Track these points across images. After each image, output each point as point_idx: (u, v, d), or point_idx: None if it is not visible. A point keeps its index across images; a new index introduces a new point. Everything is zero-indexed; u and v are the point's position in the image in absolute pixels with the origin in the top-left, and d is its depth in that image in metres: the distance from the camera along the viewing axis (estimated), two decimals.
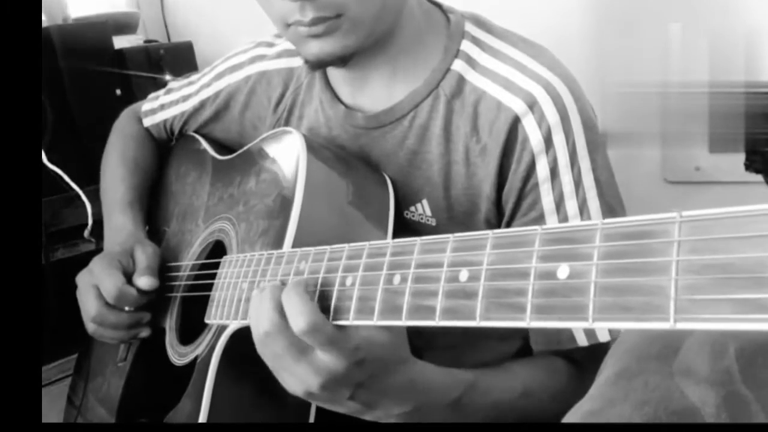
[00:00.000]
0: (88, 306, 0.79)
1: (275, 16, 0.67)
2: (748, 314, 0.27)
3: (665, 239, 0.30)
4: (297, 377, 0.54)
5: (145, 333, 0.81)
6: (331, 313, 0.50)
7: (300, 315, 0.50)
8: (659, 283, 0.30)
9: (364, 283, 0.48)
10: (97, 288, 0.78)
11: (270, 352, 0.54)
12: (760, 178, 1.02)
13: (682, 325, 0.29)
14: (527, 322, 0.35)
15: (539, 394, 0.66)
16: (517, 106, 0.68)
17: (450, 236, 0.43)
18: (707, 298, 0.28)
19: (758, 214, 0.27)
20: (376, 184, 0.72)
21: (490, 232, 0.40)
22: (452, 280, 0.41)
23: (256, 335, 0.54)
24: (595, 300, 0.32)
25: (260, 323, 0.53)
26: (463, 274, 0.40)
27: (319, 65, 0.69)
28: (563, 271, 0.34)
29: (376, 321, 0.46)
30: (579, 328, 0.68)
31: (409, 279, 0.44)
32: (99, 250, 0.95)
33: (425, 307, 0.42)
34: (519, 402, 0.65)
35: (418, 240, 0.45)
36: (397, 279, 0.45)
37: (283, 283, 0.55)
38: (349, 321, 0.49)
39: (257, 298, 0.55)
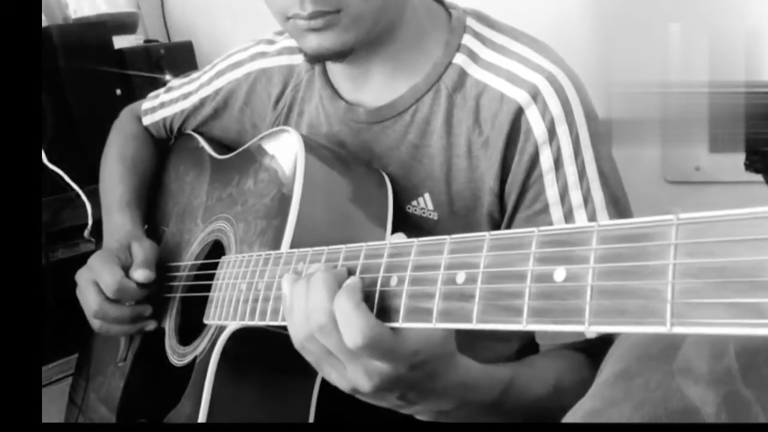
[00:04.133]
0: (89, 302, 0.79)
1: (276, 9, 0.67)
2: (745, 319, 0.26)
3: (662, 242, 0.30)
4: (345, 377, 0.50)
5: (151, 326, 0.81)
6: None
7: (357, 330, 0.45)
8: (656, 286, 0.30)
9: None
10: (96, 284, 0.78)
11: (318, 349, 0.50)
12: (760, 178, 1.02)
13: (678, 329, 0.28)
14: (524, 324, 0.35)
15: (569, 389, 0.65)
16: (520, 97, 0.68)
17: (447, 238, 0.42)
18: (704, 302, 0.28)
19: (755, 216, 0.27)
20: (374, 182, 0.72)
21: (487, 234, 0.40)
22: (449, 282, 0.41)
23: (305, 329, 0.49)
24: (592, 303, 0.32)
25: (312, 316, 0.48)
26: (460, 276, 0.40)
27: (317, 59, 0.70)
28: (560, 273, 0.34)
29: None
30: None
31: (406, 281, 0.44)
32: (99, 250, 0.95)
33: (422, 309, 0.42)
34: (552, 398, 0.64)
35: (415, 241, 0.45)
36: (394, 281, 0.45)
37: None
38: None
39: (305, 285, 0.49)
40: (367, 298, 0.47)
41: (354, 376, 0.50)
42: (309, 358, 0.52)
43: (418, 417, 0.57)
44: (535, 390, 0.63)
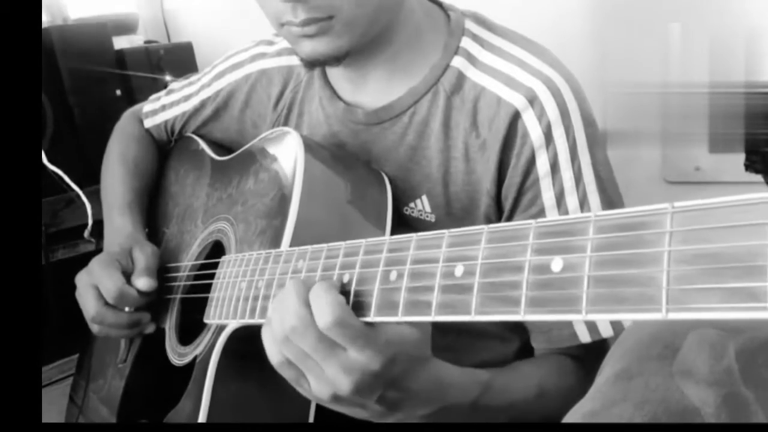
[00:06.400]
0: (88, 306, 0.79)
1: (270, 16, 0.68)
2: (739, 303, 0.27)
3: (658, 230, 0.31)
4: (324, 380, 0.51)
5: (150, 329, 0.81)
6: None
7: (326, 307, 0.47)
8: (652, 274, 0.30)
9: (360, 280, 0.48)
10: (96, 288, 0.78)
11: (295, 352, 0.51)
12: (760, 178, 1.02)
13: (674, 315, 0.29)
14: (521, 315, 0.36)
15: (553, 394, 0.66)
16: (517, 101, 0.68)
17: (445, 232, 0.43)
18: (698, 288, 0.28)
19: (748, 203, 0.28)
20: (374, 182, 0.72)
21: (485, 227, 0.40)
22: (448, 275, 0.41)
23: (281, 334, 0.51)
24: (589, 292, 0.33)
25: (285, 319, 0.50)
26: (459, 269, 0.40)
27: (313, 64, 0.70)
28: (557, 264, 0.34)
29: (372, 317, 0.47)
30: (580, 325, 0.68)
31: (405, 275, 0.44)
32: (99, 250, 0.95)
33: (421, 302, 0.42)
34: (535, 402, 0.65)
35: (414, 236, 0.45)
36: (393, 275, 0.45)
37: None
38: None
39: (280, 294, 0.52)
40: (367, 294, 0.47)
41: (332, 374, 0.50)
42: (289, 373, 0.53)
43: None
44: (516, 392, 0.64)
